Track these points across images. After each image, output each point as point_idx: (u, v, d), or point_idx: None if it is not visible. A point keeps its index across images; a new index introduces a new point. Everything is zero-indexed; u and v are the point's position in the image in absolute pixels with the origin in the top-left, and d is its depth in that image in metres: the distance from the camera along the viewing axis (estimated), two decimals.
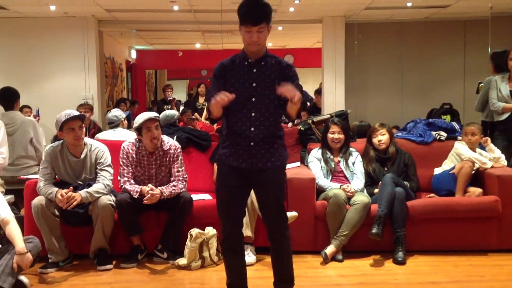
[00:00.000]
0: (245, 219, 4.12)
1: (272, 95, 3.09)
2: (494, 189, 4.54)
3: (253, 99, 3.10)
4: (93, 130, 7.25)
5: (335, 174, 4.69)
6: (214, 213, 4.30)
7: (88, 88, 8.43)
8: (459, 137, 5.07)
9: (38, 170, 4.66)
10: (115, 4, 7.90)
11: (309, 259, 4.34)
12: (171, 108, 9.89)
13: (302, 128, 5.62)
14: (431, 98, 8.75)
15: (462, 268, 4.17)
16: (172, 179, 4.41)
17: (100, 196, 4.16)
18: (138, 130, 4.37)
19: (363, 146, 4.93)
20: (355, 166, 4.70)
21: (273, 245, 3.26)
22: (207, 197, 4.70)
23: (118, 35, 11.12)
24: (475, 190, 4.63)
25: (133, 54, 13.72)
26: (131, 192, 4.25)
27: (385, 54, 9.34)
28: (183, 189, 4.37)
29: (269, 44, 3.33)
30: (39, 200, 4.10)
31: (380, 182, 4.56)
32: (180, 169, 4.44)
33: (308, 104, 9.16)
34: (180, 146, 4.55)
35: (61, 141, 4.32)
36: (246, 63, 3.13)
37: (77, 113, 4.30)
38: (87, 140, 4.37)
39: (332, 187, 4.50)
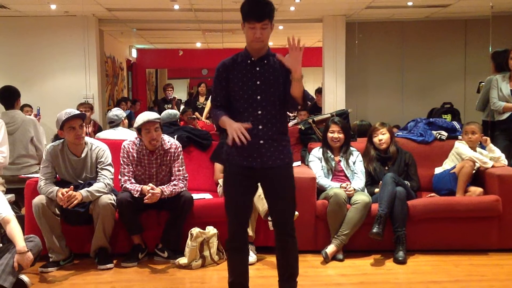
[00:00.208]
0: None
1: (277, 92, 3.10)
2: (494, 188, 4.54)
3: (258, 97, 3.09)
4: (94, 129, 7.26)
5: (335, 173, 4.69)
6: (214, 212, 4.37)
7: (89, 87, 8.43)
8: (460, 137, 5.07)
9: (39, 169, 4.67)
10: (115, 3, 7.90)
11: (310, 258, 4.34)
12: (172, 107, 9.90)
13: (303, 128, 5.62)
14: (431, 97, 8.75)
15: (462, 268, 4.17)
16: (172, 178, 4.41)
17: (101, 195, 4.16)
18: (138, 130, 4.37)
19: (363, 145, 4.93)
20: (356, 166, 4.70)
21: (285, 242, 3.24)
22: (207, 196, 4.71)
23: (119, 34, 11.12)
24: (476, 190, 4.63)
25: (134, 53, 13.71)
26: (132, 191, 4.25)
27: (385, 54, 9.33)
28: (184, 188, 4.37)
29: (270, 44, 3.31)
30: (39, 199, 4.10)
31: (380, 181, 4.56)
32: (180, 168, 4.44)
33: (309, 103, 9.15)
34: (180, 145, 4.54)
35: (62, 140, 4.32)
36: (249, 61, 3.13)
37: (78, 112, 4.30)
38: (87, 139, 4.37)
39: (333, 187, 4.50)
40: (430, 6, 8.30)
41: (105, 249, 4.23)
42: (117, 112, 5.78)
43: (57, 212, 4.13)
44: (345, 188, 4.44)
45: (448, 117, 6.82)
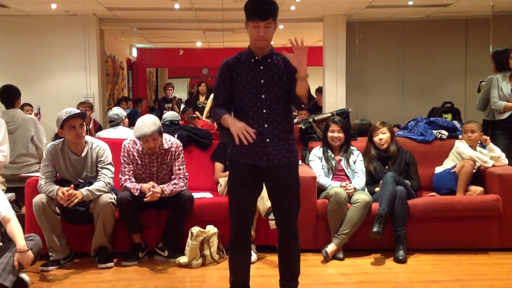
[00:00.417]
0: None
1: (282, 91, 3.10)
2: (495, 187, 4.54)
3: (263, 96, 3.09)
4: (94, 127, 7.26)
5: (336, 172, 4.69)
6: (215, 211, 4.37)
7: (89, 86, 8.43)
8: (460, 136, 5.07)
9: (39, 168, 4.67)
10: (116, 2, 7.90)
11: (310, 257, 4.34)
12: (172, 107, 9.90)
13: (303, 127, 5.62)
14: (432, 96, 8.75)
15: (463, 267, 4.17)
16: (173, 177, 4.41)
17: (101, 194, 4.16)
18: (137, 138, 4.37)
19: (364, 144, 4.93)
20: (356, 165, 4.69)
21: (286, 241, 3.24)
22: (208, 195, 4.71)
23: (119, 33, 11.12)
24: (476, 189, 4.63)
25: (134, 53, 13.71)
26: (132, 190, 4.25)
27: (386, 53, 9.33)
28: (184, 188, 4.37)
29: (271, 43, 3.34)
30: (40, 198, 4.10)
31: (381, 180, 4.56)
32: (181, 167, 4.44)
33: (311, 102, 9.14)
34: (181, 144, 4.54)
35: (62, 139, 4.32)
36: (252, 60, 3.13)
37: (78, 111, 4.30)
38: (88, 138, 4.37)
39: (333, 186, 4.50)
40: (431, 5, 8.30)
41: (105, 248, 4.23)
42: (118, 111, 5.78)
43: (58, 211, 4.13)
44: (345, 187, 4.44)
45: (448, 117, 6.81)
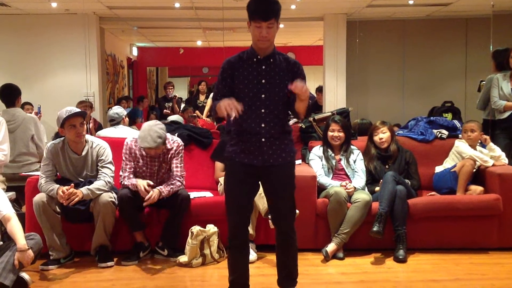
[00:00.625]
0: None
1: (282, 92, 3.10)
2: (495, 187, 4.54)
3: (263, 96, 3.09)
4: (94, 126, 7.26)
5: (336, 172, 4.69)
6: (215, 210, 4.37)
7: (89, 85, 8.43)
8: (460, 135, 5.07)
9: (40, 167, 4.67)
10: (116, 1, 7.90)
11: (310, 256, 4.34)
12: (172, 106, 9.90)
13: (303, 126, 5.61)
14: (432, 96, 8.74)
15: (463, 266, 4.18)
16: (170, 174, 4.41)
17: (102, 193, 4.16)
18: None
19: (364, 144, 4.93)
20: (356, 164, 4.70)
21: (282, 241, 3.26)
22: (208, 194, 4.71)
23: (120, 32, 11.11)
24: (476, 188, 4.63)
25: (134, 51, 13.70)
26: (129, 186, 4.25)
27: (386, 52, 9.32)
28: (181, 187, 4.36)
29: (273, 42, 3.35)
30: (40, 197, 4.10)
31: (381, 180, 4.56)
32: (179, 165, 4.42)
33: (310, 102, 9.15)
34: (183, 143, 4.53)
35: (62, 138, 4.32)
36: (255, 59, 3.12)
37: (79, 110, 4.30)
38: (88, 137, 4.37)
39: (333, 185, 4.50)
40: (431, 4, 8.29)
41: (105, 247, 4.24)
42: (118, 110, 5.78)
43: (58, 210, 4.13)
44: (345, 186, 4.44)
45: (448, 116, 6.81)
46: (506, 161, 4.85)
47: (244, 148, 3.13)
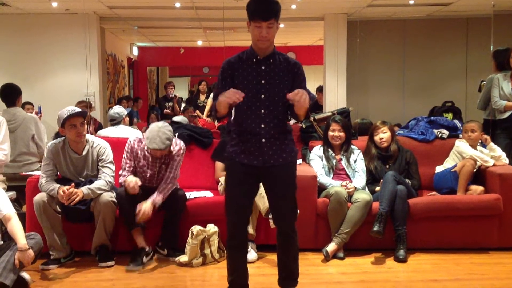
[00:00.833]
0: None
1: (281, 92, 3.09)
2: (495, 187, 4.54)
3: (262, 96, 3.09)
4: (94, 126, 7.27)
5: (336, 171, 4.69)
6: (215, 210, 4.37)
7: (90, 85, 8.42)
8: (460, 135, 5.07)
9: (40, 166, 4.67)
10: (117, 1, 7.90)
11: (310, 256, 4.34)
12: (173, 105, 9.89)
13: (304, 126, 5.62)
14: (433, 96, 8.74)
15: (463, 266, 4.18)
16: (165, 175, 4.34)
17: (102, 193, 4.16)
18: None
19: (364, 144, 4.93)
20: (357, 164, 4.70)
21: (283, 241, 3.26)
22: (208, 194, 4.71)
23: (120, 32, 11.11)
24: (477, 188, 4.62)
25: (135, 51, 13.71)
26: (122, 183, 4.24)
27: (387, 52, 9.32)
28: (174, 186, 4.33)
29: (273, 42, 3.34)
30: (41, 196, 4.10)
31: (381, 180, 4.56)
32: (175, 168, 4.36)
33: (310, 102, 9.13)
34: (185, 147, 4.49)
35: (63, 137, 4.32)
36: (254, 60, 3.12)
37: (79, 109, 4.30)
38: (89, 136, 4.37)
39: (334, 185, 4.50)
40: (432, 4, 8.29)
41: (106, 247, 4.24)
42: (118, 110, 5.78)
43: (58, 209, 4.13)
44: (346, 186, 4.44)
45: (449, 116, 6.81)
46: (506, 161, 4.85)
47: (245, 148, 3.13)
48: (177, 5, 8.15)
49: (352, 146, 4.80)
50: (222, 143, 5.12)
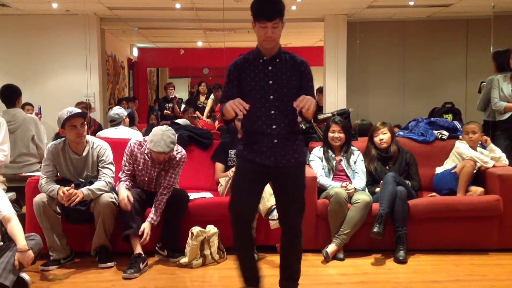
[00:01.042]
0: None
1: (290, 92, 3.08)
2: (495, 188, 4.54)
3: (271, 97, 3.08)
4: (94, 127, 7.26)
5: (336, 172, 4.69)
6: (215, 211, 4.37)
7: (90, 86, 8.42)
8: (460, 136, 5.07)
9: (40, 167, 4.67)
10: (117, 2, 7.90)
11: (310, 257, 4.34)
12: (173, 106, 9.90)
13: (304, 127, 5.61)
14: (433, 97, 8.74)
15: (463, 267, 4.18)
16: (163, 186, 4.32)
17: (102, 194, 4.16)
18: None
19: (364, 145, 4.93)
20: (357, 165, 4.70)
21: (288, 242, 3.25)
22: (208, 195, 4.71)
23: (120, 33, 11.11)
24: (477, 189, 4.63)
25: (135, 52, 13.70)
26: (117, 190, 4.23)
27: (387, 53, 9.32)
28: (168, 195, 4.31)
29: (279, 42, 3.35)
30: (40, 197, 4.10)
31: (381, 181, 4.56)
32: (175, 176, 4.36)
33: (317, 105, 9.13)
34: (186, 155, 4.47)
35: (63, 138, 4.32)
36: (261, 60, 3.11)
37: (79, 110, 4.30)
38: (89, 137, 4.37)
39: (334, 186, 4.50)
40: (432, 5, 8.29)
41: (105, 248, 4.23)
42: (119, 111, 5.78)
43: (58, 210, 4.13)
44: (346, 187, 4.44)
45: (449, 117, 6.80)
46: (506, 162, 4.85)
47: (256, 148, 3.12)
48: (177, 6, 8.15)
49: (352, 147, 4.80)
50: (222, 144, 5.12)
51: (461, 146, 4.87)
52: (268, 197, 4.14)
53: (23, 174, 5.17)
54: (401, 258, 4.24)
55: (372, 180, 4.73)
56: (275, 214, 4.04)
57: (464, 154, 4.78)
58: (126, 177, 4.35)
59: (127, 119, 5.91)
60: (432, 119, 5.50)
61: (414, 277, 3.99)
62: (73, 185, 4.08)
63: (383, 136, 4.82)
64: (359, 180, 4.62)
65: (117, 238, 4.33)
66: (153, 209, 4.25)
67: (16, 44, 8.47)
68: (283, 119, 3.10)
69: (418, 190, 4.74)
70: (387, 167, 4.77)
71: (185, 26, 10.35)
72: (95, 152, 4.32)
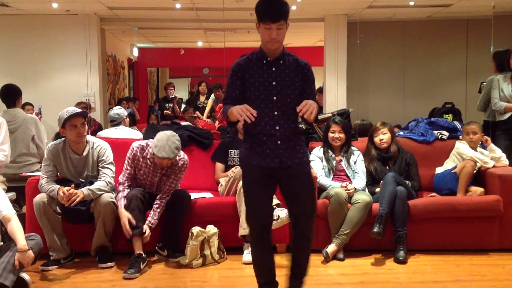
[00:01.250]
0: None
1: (293, 94, 3.08)
2: (495, 188, 4.54)
3: (274, 98, 3.07)
4: (94, 127, 7.27)
5: (336, 173, 4.69)
6: (215, 211, 4.38)
7: (90, 86, 8.43)
8: (461, 137, 5.06)
9: (40, 167, 4.67)
10: (117, 2, 7.90)
11: (310, 257, 4.33)
12: (173, 106, 9.90)
13: (304, 127, 5.60)
14: (433, 97, 8.74)
15: (463, 268, 4.17)
16: (163, 190, 4.33)
17: (102, 194, 4.16)
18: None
19: (364, 145, 4.93)
20: (357, 165, 4.70)
21: (300, 241, 3.23)
22: (208, 195, 4.71)
23: (120, 32, 11.12)
24: (477, 190, 4.63)
25: (135, 52, 13.70)
26: (117, 201, 4.23)
27: (387, 53, 9.33)
28: (168, 198, 4.32)
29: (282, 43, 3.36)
30: (41, 197, 4.10)
31: (381, 181, 4.56)
32: (176, 181, 4.36)
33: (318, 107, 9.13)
34: (188, 161, 4.46)
35: (63, 138, 4.32)
36: (264, 61, 3.10)
37: (80, 110, 4.30)
38: (89, 137, 4.37)
39: (334, 186, 4.50)
40: (432, 5, 8.29)
41: (106, 248, 4.23)
42: (119, 111, 5.78)
43: (58, 210, 4.13)
44: (346, 187, 4.44)
45: (449, 117, 6.81)
46: (506, 162, 4.85)
47: (260, 150, 3.11)
48: (178, 6, 8.16)
49: (352, 147, 4.80)
50: (222, 144, 5.12)
51: (461, 146, 4.87)
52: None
53: (23, 174, 5.17)
54: (401, 258, 4.24)
55: (372, 180, 4.73)
56: (276, 213, 4.03)
57: (464, 154, 4.78)
58: (127, 182, 4.32)
59: (128, 119, 5.92)
60: (432, 119, 5.51)
61: (414, 277, 3.99)
62: (73, 185, 4.08)
63: (383, 136, 4.82)
64: (359, 180, 4.62)
65: (117, 238, 4.33)
66: (152, 212, 4.26)
67: (17, 44, 8.47)
68: (286, 120, 3.10)
69: (418, 190, 4.74)
70: (387, 167, 4.77)
71: (185, 26, 10.36)
72: (95, 152, 4.32)
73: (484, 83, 5.89)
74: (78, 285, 3.86)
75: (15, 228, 3.57)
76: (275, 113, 3.08)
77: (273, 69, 3.10)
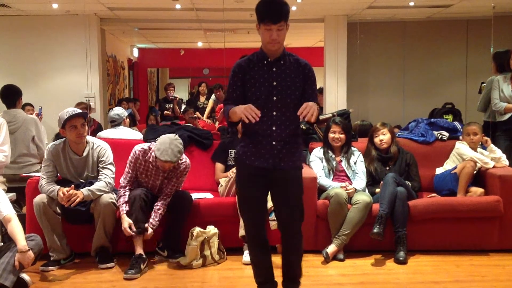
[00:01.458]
0: None
1: (293, 94, 3.09)
2: (496, 189, 4.54)
3: (274, 98, 3.08)
4: (94, 127, 7.27)
5: (336, 173, 4.69)
6: (215, 211, 4.38)
7: (90, 86, 8.43)
8: (461, 137, 5.07)
9: (40, 168, 4.67)
10: (117, 2, 7.90)
11: (310, 258, 4.34)
12: (173, 107, 9.91)
13: (304, 127, 5.61)
14: (433, 97, 8.75)
15: (463, 268, 4.17)
16: (164, 190, 4.34)
17: (102, 194, 4.16)
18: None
19: (364, 145, 4.93)
20: (357, 166, 4.70)
21: (289, 244, 3.25)
22: (208, 195, 4.71)
23: (120, 33, 11.12)
24: (477, 190, 4.62)
25: (135, 53, 13.71)
26: (117, 204, 4.23)
27: (387, 54, 9.33)
28: (168, 200, 4.32)
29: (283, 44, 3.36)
30: (41, 198, 4.10)
31: (381, 181, 4.56)
32: (177, 184, 4.37)
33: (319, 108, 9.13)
34: (190, 164, 4.46)
35: (63, 139, 4.32)
36: (265, 62, 3.11)
37: (80, 110, 4.30)
38: (89, 138, 4.37)
39: (334, 187, 4.50)
40: (432, 6, 8.29)
41: (105, 248, 4.23)
42: (119, 111, 5.78)
43: (58, 211, 4.13)
44: (346, 188, 4.44)
45: (449, 118, 6.81)
46: (506, 162, 4.85)
47: (255, 150, 3.12)
48: (178, 6, 8.16)
49: (352, 148, 4.80)
50: (222, 144, 5.12)
51: (461, 147, 4.87)
52: (268, 198, 4.14)
53: (24, 174, 5.17)
54: (401, 258, 4.24)
55: (372, 181, 4.73)
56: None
57: (464, 154, 4.78)
58: (128, 185, 4.31)
59: (128, 119, 5.92)
60: (432, 119, 5.51)
61: (414, 278, 3.99)
62: (73, 185, 4.08)
63: (383, 137, 4.82)
64: (359, 180, 4.62)
65: (117, 238, 4.33)
66: (153, 213, 4.25)
67: (17, 45, 8.48)
68: (284, 121, 3.10)
69: (418, 190, 4.74)
70: (387, 168, 4.77)
71: (186, 27, 10.36)
72: (95, 153, 4.32)
73: (484, 84, 5.89)
74: (78, 286, 3.86)
75: (15, 228, 3.57)
76: (274, 113, 3.09)
77: (274, 69, 3.10)
